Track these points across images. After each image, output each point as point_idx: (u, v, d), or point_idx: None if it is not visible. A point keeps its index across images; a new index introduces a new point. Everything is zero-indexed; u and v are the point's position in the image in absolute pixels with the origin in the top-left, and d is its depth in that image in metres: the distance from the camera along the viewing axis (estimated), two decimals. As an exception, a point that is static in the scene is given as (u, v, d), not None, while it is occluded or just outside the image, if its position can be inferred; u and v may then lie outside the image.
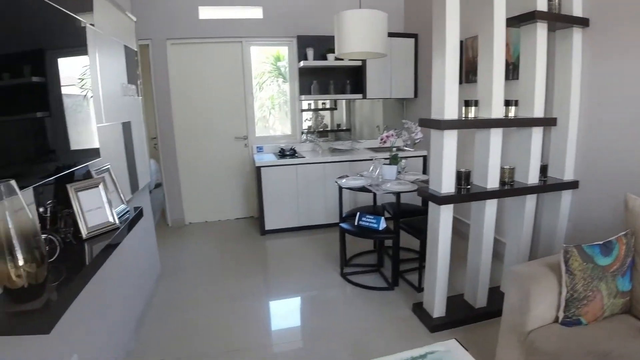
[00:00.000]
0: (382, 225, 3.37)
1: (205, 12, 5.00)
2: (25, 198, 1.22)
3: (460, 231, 4.39)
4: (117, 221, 1.83)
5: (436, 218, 2.72)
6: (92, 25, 2.25)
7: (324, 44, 5.03)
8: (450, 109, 2.55)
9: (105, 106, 2.36)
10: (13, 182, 1.16)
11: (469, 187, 2.73)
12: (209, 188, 5.39)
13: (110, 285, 2.45)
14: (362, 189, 3.49)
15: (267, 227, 4.81)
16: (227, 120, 5.27)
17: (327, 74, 5.28)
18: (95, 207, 1.77)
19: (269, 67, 5.97)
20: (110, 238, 1.75)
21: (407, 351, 1.71)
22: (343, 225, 3.54)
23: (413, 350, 1.72)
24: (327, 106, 5.62)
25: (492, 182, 2.72)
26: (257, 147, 5.26)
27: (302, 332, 2.93)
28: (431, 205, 2.77)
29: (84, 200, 1.72)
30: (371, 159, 4.60)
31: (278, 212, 4.80)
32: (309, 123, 5.53)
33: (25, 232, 1.18)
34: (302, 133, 5.47)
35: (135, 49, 3.22)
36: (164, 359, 2.60)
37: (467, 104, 2.65)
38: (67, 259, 1.54)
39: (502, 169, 2.79)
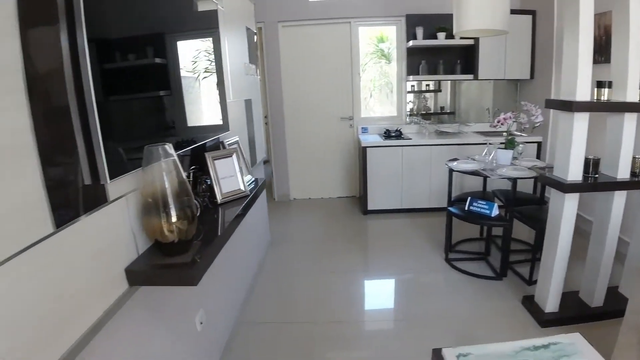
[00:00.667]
0: (495, 211, 3.21)
1: (315, -6, 5.08)
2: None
3: (577, 227, 4.04)
4: (247, 189, 1.96)
5: (559, 207, 2.55)
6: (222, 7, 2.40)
7: (434, 23, 4.88)
8: (582, 90, 2.35)
9: (232, 84, 2.53)
10: (169, 146, 1.29)
11: (596, 176, 2.50)
12: (313, 166, 5.56)
13: (232, 248, 2.65)
14: (475, 173, 3.36)
15: (370, 207, 4.84)
16: (333, 101, 5.36)
17: (436, 54, 5.11)
18: (228, 175, 1.92)
19: (372, 48, 5.92)
20: (241, 204, 1.88)
21: (528, 340, 1.64)
22: (451, 209, 3.45)
23: (534, 339, 1.65)
24: (431, 88, 5.45)
25: (623, 172, 2.47)
26: (362, 128, 5.28)
27: (402, 313, 2.94)
28: (554, 194, 2.59)
29: (219, 168, 1.87)
30: (482, 143, 4.42)
31: (381, 192, 4.80)
32: (411, 105, 5.41)
33: (178, 191, 1.31)
34: (408, 115, 5.37)
35: (255, 31, 3.38)
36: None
37: (600, 84, 2.42)
38: (206, 220, 1.70)
39: (634, 159, 2.50)
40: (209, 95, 2.10)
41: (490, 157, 3.50)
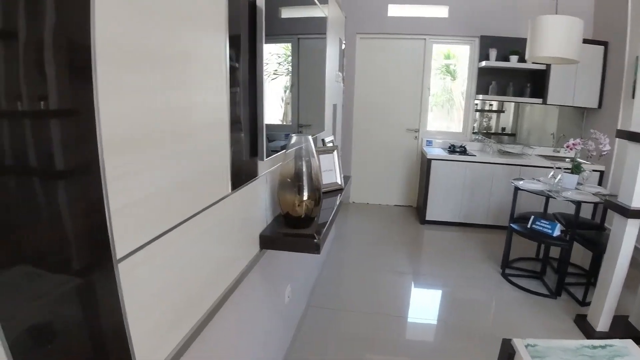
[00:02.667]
0: (557, 232, 3.32)
1: (394, 10, 5.32)
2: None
3: (632, 258, 4.05)
4: (342, 183, 2.21)
5: (620, 232, 2.67)
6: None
7: (507, 45, 5.00)
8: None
9: (328, 88, 2.79)
10: (309, 136, 1.55)
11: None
12: (375, 172, 5.78)
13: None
14: (540, 194, 3.47)
15: (428, 217, 5.00)
16: (401, 112, 5.58)
17: (506, 76, 5.22)
18: (328, 169, 2.16)
19: (437, 64, 6.07)
20: (337, 196, 2.13)
21: (587, 340, 1.80)
22: (514, 225, 3.57)
23: (592, 340, 1.80)
24: (494, 108, 5.54)
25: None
26: (427, 141, 5.46)
27: (452, 321, 3.08)
28: (617, 219, 2.72)
29: (322, 161, 2.12)
30: (545, 166, 4.54)
31: (441, 204, 4.95)
32: (473, 124, 5.53)
33: (311, 174, 1.56)
34: (474, 133, 5.49)
35: (344, 41, 3.64)
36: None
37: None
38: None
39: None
40: (316, 96, 2.37)
41: (557, 180, 3.60)
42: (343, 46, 3.67)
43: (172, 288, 0.96)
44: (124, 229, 0.76)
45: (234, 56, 1.24)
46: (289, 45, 1.91)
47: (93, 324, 0.71)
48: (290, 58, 1.91)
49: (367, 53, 5.49)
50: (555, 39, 3.20)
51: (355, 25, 5.31)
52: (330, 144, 2.46)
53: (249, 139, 1.39)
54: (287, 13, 1.83)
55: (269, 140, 1.61)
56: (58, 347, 0.63)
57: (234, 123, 1.26)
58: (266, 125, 1.46)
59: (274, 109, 1.78)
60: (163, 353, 0.91)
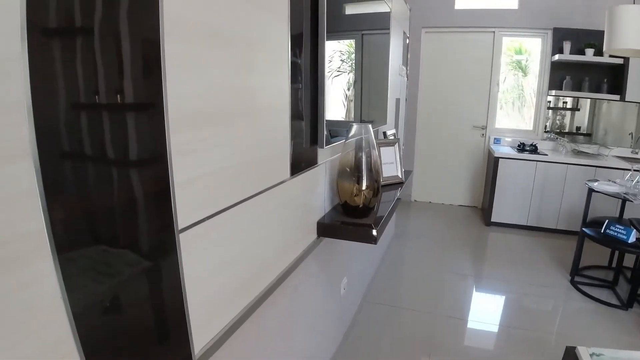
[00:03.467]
0: (633, 238, 3.06)
1: (461, 2, 5.15)
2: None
3: None
4: (403, 177, 2.18)
5: None
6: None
7: (581, 38, 4.69)
8: None
9: (391, 82, 2.76)
10: (370, 126, 1.55)
11: None
12: (438, 170, 5.64)
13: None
14: (617, 196, 3.22)
15: (494, 218, 4.80)
16: (468, 109, 5.39)
17: (581, 70, 4.88)
18: (389, 162, 2.14)
19: (508, 59, 5.79)
20: (397, 189, 2.10)
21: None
22: (586, 230, 3.34)
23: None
24: (569, 105, 5.20)
25: None
26: (495, 139, 5.24)
27: (514, 326, 2.93)
28: None
29: (383, 154, 2.10)
30: (623, 168, 4.25)
31: (508, 206, 4.74)
32: (545, 122, 5.23)
33: (371, 164, 1.56)
34: (546, 131, 5.20)
35: (408, 35, 3.58)
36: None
37: None
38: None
39: None
40: (378, 91, 2.36)
41: (634, 182, 3.33)
42: (407, 40, 3.61)
43: (231, 263, 1.00)
44: (188, 201, 0.80)
45: (296, 50, 1.26)
46: (353, 41, 1.92)
47: (154, 293, 0.76)
48: (353, 55, 1.91)
49: (433, 47, 5.36)
50: (634, 30, 2.96)
51: (420, 19, 5.20)
52: (392, 137, 2.44)
53: (309, 127, 1.41)
54: (351, 9, 1.83)
55: (332, 135, 1.63)
56: (120, 316, 0.67)
57: (295, 112, 1.28)
58: (329, 121, 1.48)
59: (337, 105, 1.79)
60: (218, 326, 0.95)
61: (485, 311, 3.18)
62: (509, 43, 5.48)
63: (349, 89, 1.88)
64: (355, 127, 1.55)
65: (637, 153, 4.81)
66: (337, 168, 1.61)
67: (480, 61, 5.26)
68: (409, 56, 4.70)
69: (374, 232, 1.52)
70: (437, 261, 3.85)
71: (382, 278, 3.42)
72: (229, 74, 0.91)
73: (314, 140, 1.44)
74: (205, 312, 0.89)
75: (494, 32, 5.15)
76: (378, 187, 1.59)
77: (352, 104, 1.95)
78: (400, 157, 2.25)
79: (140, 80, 0.67)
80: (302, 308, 1.72)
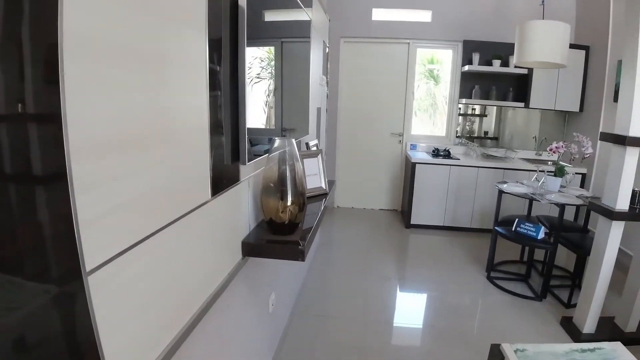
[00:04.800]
0: (541, 234, 3.33)
1: (378, 14, 5.33)
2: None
3: (617, 260, 4.09)
4: (327, 188, 2.17)
5: (605, 234, 2.70)
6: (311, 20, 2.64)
7: (490, 50, 5.05)
8: (636, 126, 2.48)
9: (313, 92, 2.75)
10: (292, 140, 1.51)
11: (640, 207, 2.64)
12: (359, 176, 5.76)
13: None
14: (524, 196, 3.49)
15: (413, 221, 4.99)
16: (386, 116, 5.58)
17: (489, 80, 5.25)
18: (312, 173, 2.12)
19: (421, 68, 6.09)
20: (322, 200, 2.09)
21: (576, 344, 1.79)
22: (498, 228, 3.57)
23: (581, 344, 1.80)
24: (477, 112, 5.58)
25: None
26: (411, 145, 5.46)
27: (438, 325, 3.05)
28: (601, 221, 2.74)
29: (306, 166, 2.08)
30: (528, 170, 4.61)
31: (425, 208, 4.95)
32: (456, 128, 5.57)
33: (295, 179, 1.52)
34: (457, 136, 5.51)
35: (328, 45, 3.62)
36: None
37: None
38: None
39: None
40: (300, 100, 2.33)
41: (540, 183, 3.62)
42: (327, 50, 3.64)
43: (151, 299, 0.90)
44: (96, 238, 0.71)
45: (215, 58, 1.19)
46: (272, 48, 1.87)
47: (63, 338, 0.66)
48: (273, 62, 1.86)
49: (352, 57, 5.48)
50: (544, 44, 3.24)
51: (339, 29, 5.29)
52: (315, 148, 2.42)
53: (230, 143, 1.34)
54: (270, 16, 1.79)
55: (252, 144, 1.57)
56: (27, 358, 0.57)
57: (215, 126, 1.21)
58: (249, 129, 1.41)
59: (258, 112, 1.73)
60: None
61: (410, 312, 3.29)
62: (423, 53, 5.75)
63: (269, 96, 1.83)
64: (278, 141, 1.50)
65: (540, 155, 5.24)
66: (260, 183, 1.55)
67: (397, 71, 5.46)
68: (328, 66, 4.76)
69: (301, 249, 1.48)
70: (362, 267, 3.91)
71: (310, 289, 3.41)
72: (141, 95, 0.83)
73: (236, 156, 1.37)
74: (124, 354, 0.80)
75: (408, 43, 5.38)
76: (304, 201, 1.56)
77: (272, 112, 1.90)
78: (323, 168, 2.24)
79: (36, 106, 0.57)
80: (232, 331, 1.63)
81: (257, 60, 1.64)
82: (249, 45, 1.36)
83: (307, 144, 2.35)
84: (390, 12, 5.31)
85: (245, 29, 1.29)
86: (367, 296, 3.36)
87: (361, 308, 3.16)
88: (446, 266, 4.02)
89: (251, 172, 1.56)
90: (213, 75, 1.17)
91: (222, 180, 1.29)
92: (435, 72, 6.08)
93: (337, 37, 5.33)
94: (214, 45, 1.17)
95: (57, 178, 0.62)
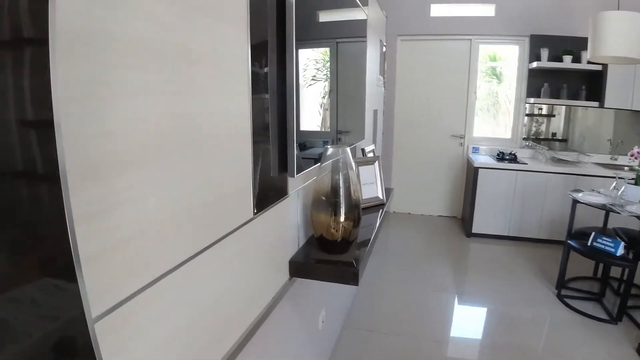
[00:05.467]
0: (620, 250, 2.96)
1: (437, 10, 5.05)
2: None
3: None
4: (384, 198, 1.99)
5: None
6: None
7: (559, 45, 4.63)
8: None
9: (369, 94, 2.58)
10: (347, 148, 1.35)
11: None
12: (417, 181, 5.50)
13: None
14: (602, 207, 3.12)
15: (474, 229, 4.68)
16: (445, 118, 5.28)
17: (559, 78, 4.82)
18: (369, 182, 1.95)
19: (483, 67, 5.72)
20: (378, 212, 1.91)
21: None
22: (571, 242, 3.23)
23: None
24: (544, 112, 5.14)
25: None
26: (473, 148, 5.13)
27: (499, 344, 2.77)
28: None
29: (362, 174, 1.91)
30: (605, 176, 4.21)
31: (488, 216, 4.62)
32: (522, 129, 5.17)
33: (350, 192, 1.36)
34: (524, 138, 5.12)
35: (385, 44, 3.43)
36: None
37: None
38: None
39: None
40: (355, 102, 2.17)
41: (620, 192, 3.24)
42: (384, 49, 3.45)
43: (179, 337, 0.78)
44: (104, 277, 0.58)
45: (260, 58, 1.06)
46: (327, 50, 1.74)
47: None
48: (328, 63, 1.73)
49: (409, 56, 5.23)
50: (620, 37, 2.88)
51: (396, 27, 5.07)
52: (371, 154, 2.25)
53: (277, 152, 1.20)
54: (325, 16, 1.65)
55: (306, 147, 1.45)
56: None
57: (259, 135, 1.07)
58: (303, 131, 1.28)
59: (313, 115, 1.61)
60: None
61: (469, 328, 3.03)
62: (485, 50, 5.40)
63: (324, 98, 1.70)
64: (330, 149, 1.35)
65: (616, 159, 4.77)
66: (311, 195, 1.40)
67: (457, 69, 5.16)
68: (385, 65, 4.56)
69: (355, 272, 1.32)
70: (417, 278, 3.68)
71: (362, 301, 3.23)
72: (162, 98, 0.70)
73: (283, 167, 1.23)
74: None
75: (470, 39, 5.06)
76: (358, 215, 1.39)
77: (327, 114, 1.76)
78: (381, 176, 2.06)
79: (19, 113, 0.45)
80: (278, 353, 1.50)
81: (312, 62, 1.54)
82: (303, 47, 1.22)
83: (362, 150, 2.18)
84: (450, 7, 5.01)
85: (294, 27, 1.14)
86: (421, 311, 3.14)
87: (414, 324, 2.95)
88: (510, 280, 3.71)
89: (301, 184, 1.42)
90: (256, 77, 1.03)
91: (268, 194, 1.16)
92: (497, 70, 5.72)
93: (394, 36, 5.11)
94: (259, 45, 1.04)
95: (48, 206, 0.49)
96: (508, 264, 4.06)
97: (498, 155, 4.86)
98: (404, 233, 4.92)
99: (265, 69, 1.10)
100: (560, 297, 3.36)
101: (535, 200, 4.51)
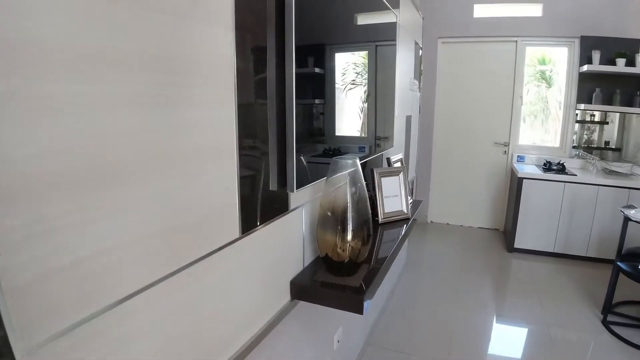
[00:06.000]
0: (679, 275, 2.65)
1: (481, 10, 4.80)
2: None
3: None
4: (409, 212, 1.84)
5: None
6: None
7: (612, 47, 4.28)
8: None
9: (399, 99, 2.43)
10: (357, 160, 1.22)
11: None
12: (457, 190, 5.25)
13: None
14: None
15: (517, 244, 4.39)
16: (489, 124, 5.01)
17: (612, 82, 4.45)
18: (392, 195, 1.81)
19: (531, 70, 5.39)
20: (401, 227, 1.76)
21: None
22: (621, 264, 2.93)
23: None
24: (596, 119, 4.75)
25: None
26: (518, 157, 4.83)
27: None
28: None
29: (385, 186, 1.77)
30: None
31: (532, 230, 4.32)
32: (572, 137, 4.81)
33: (359, 207, 1.23)
34: (573, 146, 4.76)
35: (421, 46, 3.26)
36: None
37: None
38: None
39: None
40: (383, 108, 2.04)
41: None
42: (420, 52, 3.28)
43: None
44: (34, 308, 0.50)
45: (252, 62, 0.96)
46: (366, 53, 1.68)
47: None
48: (359, 67, 1.66)
49: (451, 59, 5.01)
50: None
51: (436, 29, 4.87)
52: (398, 164, 2.10)
53: (277, 165, 1.09)
54: (363, 19, 1.57)
55: (340, 153, 1.38)
56: None
57: (248, 148, 0.97)
58: (340, 137, 1.18)
59: (352, 120, 1.62)
60: None
61: (503, 353, 2.79)
62: (533, 53, 5.09)
63: (365, 102, 1.65)
64: (339, 162, 1.23)
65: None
66: (317, 210, 1.28)
67: (502, 73, 4.88)
68: (422, 68, 4.37)
69: (360, 299, 1.18)
70: (453, 295, 3.47)
71: (390, 317, 3.06)
72: (112, 111, 0.61)
73: (282, 181, 1.12)
74: None
75: (516, 41, 4.78)
76: (368, 232, 1.26)
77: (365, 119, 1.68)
78: (406, 188, 1.91)
79: None
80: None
81: (352, 66, 1.56)
82: (340, 50, 1.11)
83: (388, 159, 2.04)
84: (494, 7, 4.75)
85: (293, 26, 1.03)
86: (455, 333, 2.93)
87: (446, 344, 2.76)
88: (554, 303, 3.41)
89: (308, 197, 1.31)
90: (245, 82, 0.93)
91: (262, 210, 1.05)
92: (547, 74, 5.38)
93: (434, 38, 4.91)
94: (251, 47, 0.94)
95: None
96: (551, 283, 3.77)
97: (545, 165, 4.54)
98: (441, 245, 4.69)
99: (262, 75, 1.00)
100: (606, 324, 3.06)
101: (583, 214, 4.17)
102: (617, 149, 4.73)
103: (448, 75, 5.04)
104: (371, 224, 1.27)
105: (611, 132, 4.76)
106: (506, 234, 4.72)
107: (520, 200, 4.27)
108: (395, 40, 2.19)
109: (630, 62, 4.20)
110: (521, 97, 4.87)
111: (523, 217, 4.30)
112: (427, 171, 5.23)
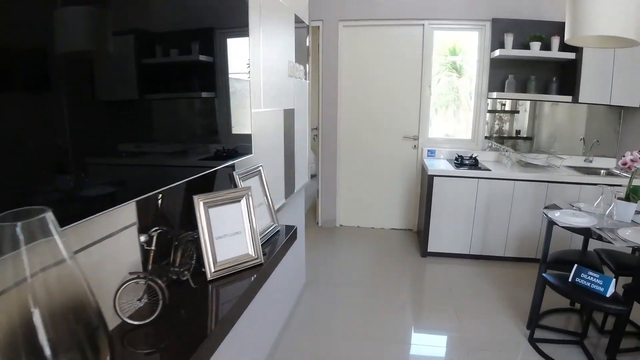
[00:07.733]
0: (611, 290, 2.29)
1: (384, -9, 4.32)
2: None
3: None
4: (260, 255, 1.22)
5: None
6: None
7: (526, 30, 4.00)
8: None
9: (266, 88, 1.80)
10: (49, 214, 0.56)
11: None
12: (366, 190, 4.78)
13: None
14: (587, 234, 2.45)
15: (430, 248, 3.99)
16: (396, 116, 4.56)
17: (527, 68, 4.18)
18: (231, 232, 1.18)
19: (442, 60, 5.08)
20: (246, 279, 1.14)
21: None
22: (547, 277, 2.55)
23: None
24: (507, 108, 4.50)
25: None
26: (429, 151, 4.44)
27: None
28: None
29: (215, 221, 1.13)
30: (582, 183, 3.67)
31: (446, 232, 3.94)
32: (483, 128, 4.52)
33: (63, 310, 0.58)
34: (486, 138, 4.46)
35: (307, 23, 2.67)
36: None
37: None
38: (172, 316, 0.96)
39: None
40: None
41: (607, 212, 2.60)
42: (308, 31, 2.69)
43: None
44: None
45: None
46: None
47: None
48: None
49: (354, 44, 4.49)
50: (611, 11, 2.19)
51: (336, 12, 4.34)
52: (255, 178, 1.47)
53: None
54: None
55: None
56: None
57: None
58: None
59: None
60: None
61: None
62: (442, 39, 4.72)
63: None
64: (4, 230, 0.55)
65: (591, 161, 4.18)
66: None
67: (410, 60, 4.45)
68: (320, 55, 3.80)
69: None
70: (361, 315, 2.98)
71: (293, 339, 2.60)
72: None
73: None
74: None
75: (423, 24, 4.37)
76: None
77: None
78: (253, 216, 1.28)
79: None
80: None
81: None
82: None
83: (230, 175, 1.39)
84: (399, -13, 4.30)
85: None
86: (365, 353, 2.46)
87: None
88: (475, 313, 3.04)
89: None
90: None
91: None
92: (458, 64, 5.10)
93: (335, 21, 4.37)
94: None
95: None
96: (470, 292, 3.38)
97: (457, 159, 4.16)
98: (350, 253, 4.19)
99: None
100: (533, 342, 2.69)
101: (500, 212, 3.85)
102: (529, 138, 4.52)
103: (352, 64, 4.52)
104: (106, 332, 0.62)
105: (522, 121, 4.52)
106: (419, 234, 4.34)
107: (432, 200, 3.87)
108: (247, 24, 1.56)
109: (546, 46, 3.95)
110: (429, 86, 4.47)
111: (436, 218, 3.91)
112: (333, 170, 4.71)
